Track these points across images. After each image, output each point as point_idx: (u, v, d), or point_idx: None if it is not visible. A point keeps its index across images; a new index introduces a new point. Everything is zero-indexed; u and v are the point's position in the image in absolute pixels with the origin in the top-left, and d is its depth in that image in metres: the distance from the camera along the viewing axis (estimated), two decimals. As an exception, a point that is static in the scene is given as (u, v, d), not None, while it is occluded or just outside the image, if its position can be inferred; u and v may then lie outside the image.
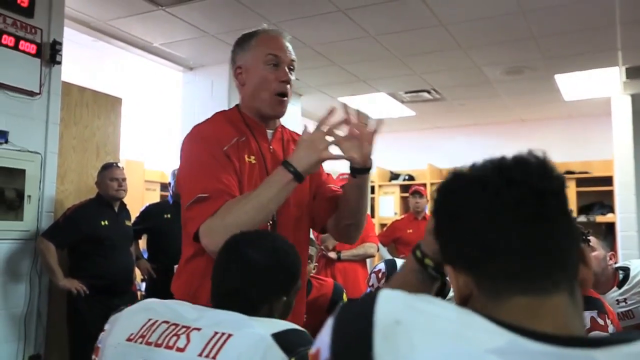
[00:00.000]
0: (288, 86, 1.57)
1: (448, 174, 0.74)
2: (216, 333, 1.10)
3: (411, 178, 7.63)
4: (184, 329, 1.13)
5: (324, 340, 0.60)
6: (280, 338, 1.06)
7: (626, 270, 2.27)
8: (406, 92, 6.02)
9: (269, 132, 1.63)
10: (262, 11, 3.93)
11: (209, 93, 5.16)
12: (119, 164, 3.60)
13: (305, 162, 1.39)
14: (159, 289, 3.93)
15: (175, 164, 5.10)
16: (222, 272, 1.27)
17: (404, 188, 7.27)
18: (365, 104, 6.43)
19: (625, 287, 2.23)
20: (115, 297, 3.39)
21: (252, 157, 1.54)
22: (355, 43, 4.46)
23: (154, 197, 6.73)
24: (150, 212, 4.14)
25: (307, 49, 4.62)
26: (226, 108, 5.71)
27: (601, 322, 1.94)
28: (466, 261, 0.68)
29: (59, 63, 3.41)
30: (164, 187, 7.05)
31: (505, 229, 0.64)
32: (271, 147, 1.61)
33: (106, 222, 3.40)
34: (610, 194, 6.29)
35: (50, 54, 3.35)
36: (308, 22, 4.08)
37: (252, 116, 1.60)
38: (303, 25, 4.13)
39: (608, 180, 6.27)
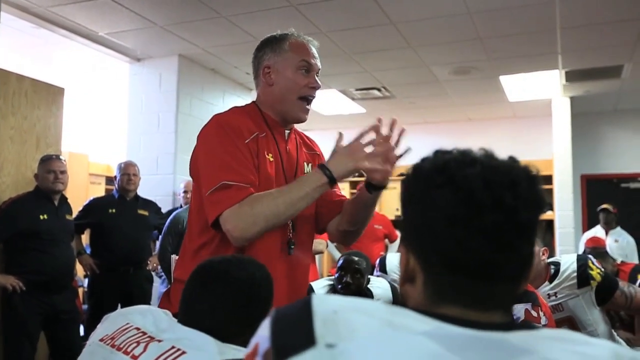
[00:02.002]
0: (315, 93, 1.65)
1: (434, 159, 0.68)
2: (172, 347, 1.11)
3: (361, 175, 7.63)
4: (147, 339, 1.15)
5: (261, 335, 0.61)
6: None
7: (557, 265, 2.36)
8: (357, 89, 6.07)
9: (286, 132, 1.68)
10: (212, 4, 3.86)
11: (157, 85, 5.04)
12: (61, 157, 3.46)
13: (342, 168, 1.47)
14: (102, 285, 3.83)
15: (121, 157, 4.96)
16: (198, 297, 1.24)
17: (354, 184, 7.33)
18: (316, 99, 6.43)
19: (555, 282, 2.32)
20: (55, 294, 3.27)
21: (270, 155, 1.58)
22: (307, 39, 4.46)
23: (99, 191, 6.52)
24: (94, 206, 4.02)
25: (257, 44, 4.57)
26: (175, 101, 5.53)
27: (534, 314, 2.03)
28: (423, 259, 0.67)
29: (-4, 49, 3.25)
30: (110, 180, 6.84)
31: (473, 250, 0.63)
32: (288, 147, 1.66)
33: (45, 216, 3.27)
34: (550, 192, 6.55)
35: (-14, 39, 3.19)
36: (260, 17, 4.04)
37: (273, 116, 1.64)
38: (254, 19, 4.09)
39: (548, 179, 6.52)
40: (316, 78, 1.65)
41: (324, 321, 0.58)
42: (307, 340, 0.56)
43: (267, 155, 1.57)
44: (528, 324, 0.64)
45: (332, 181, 1.47)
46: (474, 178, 0.63)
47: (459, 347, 0.56)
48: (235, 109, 1.66)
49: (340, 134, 1.52)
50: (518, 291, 0.66)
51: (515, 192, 0.63)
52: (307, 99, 1.64)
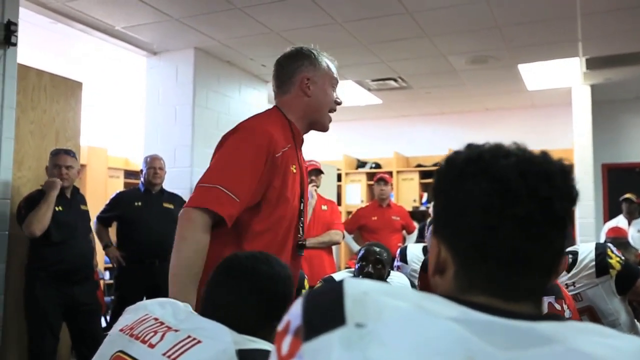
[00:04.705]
0: None
1: (468, 151, 0.69)
2: (188, 337, 1.13)
3: (378, 166, 7.67)
4: (165, 328, 1.17)
5: (294, 312, 0.62)
6: (245, 355, 1.07)
7: (575, 254, 2.31)
8: (373, 80, 6.03)
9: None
10: (227, -5, 3.86)
11: (173, 79, 5.06)
12: (70, 151, 3.47)
13: None
14: (128, 277, 3.87)
15: (139, 151, 4.99)
16: (222, 290, 1.27)
17: (371, 176, 7.31)
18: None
19: (574, 271, 2.27)
20: (75, 284, 3.31)
21: (294, 166, 1.71)
22: (322, 30, 4.44)
23: (118, 184, 6.60)
24: (120, 199, 4.06)
25: (273, 35, 4.57)
26: (191, 94, 5.56)
27: (558, 307, 2.00)
28: (455, 249, 0.68)
29: (15, 45, 3.28)
30: (128, 174, 6.92)
31: (506, 240, 0.64)
32: (301, 156, 1.82)
33: (60, 208, 3.31)
34: (569, 182, 6.45)
35: (4, 34, 3.22)
36: (275, 8, 4.03)
37: (299, 125, 1.77)
38: (269, 10, 4.08)
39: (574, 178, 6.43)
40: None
41: (354, 302, 0.59)
42: (338, 319, 0.58)
43: (291, 168, 1.68)
44: (555, 316, 0.66)
45: None
46: (510, 169, 0.64)
47: (484, 332, 0.57)
48: (271, 118, 1.75)
49: None
50: (548, 283, 0.67)
51: (550, 183, 0.64)
52: (333, 111, 1.81)
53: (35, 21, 4.30)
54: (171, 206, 4.09)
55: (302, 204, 1.75)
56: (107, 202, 4.05)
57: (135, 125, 6.07)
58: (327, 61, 1.80)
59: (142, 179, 4.11)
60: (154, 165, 4.05)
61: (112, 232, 4.11)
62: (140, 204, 3.97)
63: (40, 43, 5.00)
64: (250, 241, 1.61)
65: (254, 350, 1.09)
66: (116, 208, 3.99)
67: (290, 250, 1.71)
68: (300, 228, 1.74)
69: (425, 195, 7.25)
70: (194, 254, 1.51)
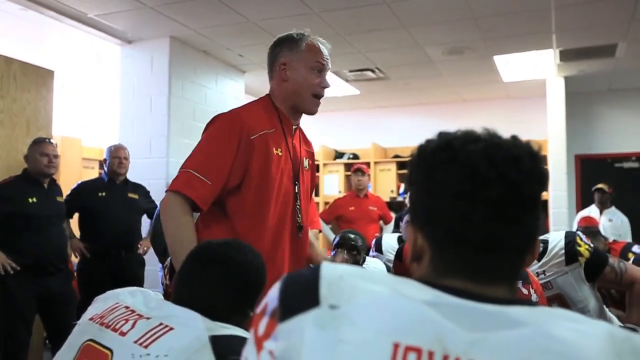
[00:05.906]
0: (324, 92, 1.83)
1: (438, 140, 0.70)
2: (160, 324, 1.12)
3: (355, 157, 7.69)
4: (136, 316, 1.17)
5: (271, 296, 0.64)
6: (218, 341, 1.07)
7: (545, 243, 2.35)
8: (350, 71, 6.02)
9: (293, 127, 1.85)
10: (203, -17, 3.80)
11: (148, 68, 4.98)
12: (52, 141, 3.42)
13: None
14: (94, 269, 3.81)
15: (114, 141, 4.94)
16: (195, 278, 1.27)
17: (348, 167, 7.32)
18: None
19: (544, 260, 2.31)
20: (50, 276, 3.26)
21: (279, 150, 1.74)
22: (299, 20, 4.41)
23: (92, 175, 6.48)
24: (83, 189, 3.98)
25: (250, 25, 4.52)
26: (167, 84, 5.47)
27: (525, 291, 2.04)
28: (430, 236, 0.69)
29: (-16, 32, 3.19)
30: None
31: (479, 224, 0.65)
32: (293, 142, 1.84)
33: (34, 199, 3.24)
34: (543, 172, 6.55)
35: (-27, 22, 3.13)
36: (251, -3, 3.99)
37: (285, 110, 1.80)
38: (247, 0, 4.04)
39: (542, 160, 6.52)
40: (326, 78, 1.79)
41: (329, 285, 0.61)
42: (312, 301, 0.60)
43: (275, 151, 1.72)
44: (527, 301, 0.67)
45: None
46: (478, 154, 0.66)
47: (455, 315, 0.59)
48: (252, 105, 1.81)
49: None
50: (523, 265, 0.69)
51: (518, 166, 0.65)
52: (318, 96, 1.79)
53: (4, 7, 4.18)
54: (136, 196, 4.04)
55: (296, 187, 1.80)
56: (69, 192, 3.94)
57: (110, 115, 5.98)
58: (317, 44, 1.79)
59: (105, 169, 4.04)
60: (118, 154, 3.98)
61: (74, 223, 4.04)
62: (104, 194, 3.90)
63: (10, 30, 4.87)
64: (240, 222, 1.68)
65: (227, 336, 1.09)
66: (78, 198, 3.90)
67: (289, 233, 1.78)
68: (298, 210, 1.80)
69: (402, 186, 7.29)
70: (178, 230, 1.59)
